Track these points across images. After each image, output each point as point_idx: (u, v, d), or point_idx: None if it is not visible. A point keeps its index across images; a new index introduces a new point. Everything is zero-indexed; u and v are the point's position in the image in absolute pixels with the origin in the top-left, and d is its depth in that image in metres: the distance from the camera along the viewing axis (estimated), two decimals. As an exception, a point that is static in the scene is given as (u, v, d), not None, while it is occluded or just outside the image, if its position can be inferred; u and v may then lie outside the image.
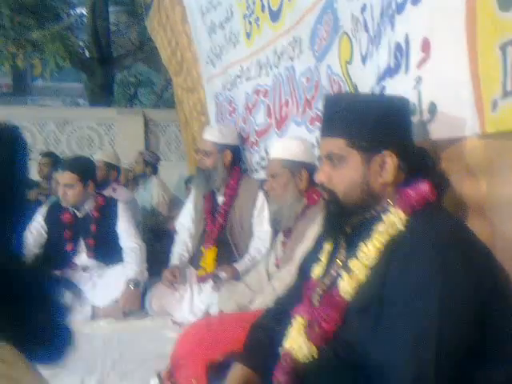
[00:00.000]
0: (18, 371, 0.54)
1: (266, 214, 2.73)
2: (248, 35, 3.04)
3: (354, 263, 1.13)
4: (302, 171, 2.14)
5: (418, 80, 1.37)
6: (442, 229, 1.06)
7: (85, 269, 2.96)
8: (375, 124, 1.16)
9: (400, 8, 1.44)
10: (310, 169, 2.14)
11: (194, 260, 2.90)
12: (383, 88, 1.55)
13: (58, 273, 2.84)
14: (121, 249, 3.00)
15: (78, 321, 2.61)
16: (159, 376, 1.84)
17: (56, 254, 2.97)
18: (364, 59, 1.90)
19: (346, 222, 1.20)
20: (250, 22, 3.00)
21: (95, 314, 2.81)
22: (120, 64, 9.31)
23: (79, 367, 2.04)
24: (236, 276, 2.59)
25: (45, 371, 0.61)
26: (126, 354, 2.32)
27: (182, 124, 4.74)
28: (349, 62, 2.06)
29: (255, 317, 1.55)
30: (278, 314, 1.40)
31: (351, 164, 1.17)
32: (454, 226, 1.11)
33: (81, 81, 11.95)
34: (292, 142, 2.24)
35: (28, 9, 8.45)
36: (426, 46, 1.35)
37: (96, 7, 8.36)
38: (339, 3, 2.12)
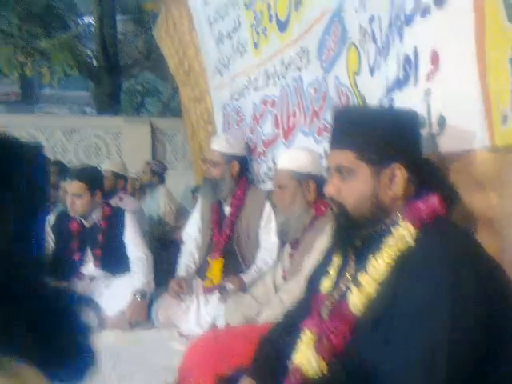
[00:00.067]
0: None
1: (272, 224, 2.73)
2: (256, 45, 3.05)
3: (363, 277, 1.12)
4: (309, 182, 2.14)
5: (427, 92, 1.37)
6: (451, 243, 1.05)
7: (92, 279, 2.96)
8: (385, 137, 1.16)
9: (409, 20, 1.44)
10: (318, 180, 2.13)
11: (201, 271, 2.89)
12: (392, 100, 1.55)
13: (67, 284, 2.84)
14: (127, 259, 3.00)
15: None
16: (167, 388, 1.83)
17: (63, 263, 2.97)
18: (372, 70, 1.91)
19: (356, 235, 1.19)
20: (257, 32, 3.01)
21: (101, 325, 2.80)
22: (127, 73, 9.39)
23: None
24: (243, 287, 2.58)
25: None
26: (133, 365, 2.31)
27: (188, 133, 4.75)
28: (357, 73, 2.06)
29: (263, 330, 1.54)
30: (286, 328, 1.39)
31: (360, 177, 1.16)
32: (464, 240, 1.10)
33: (87, 89, 12.04)
34: (300, 152, 2.23)
35: (36, 18, 8.55)
36: (435, 59, 1.35)
37: (104, 16, 8.45)
38: (347, 14, 2.13)
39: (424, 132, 1.32)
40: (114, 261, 3.00)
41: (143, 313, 2.81)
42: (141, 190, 4.88)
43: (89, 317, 0.60)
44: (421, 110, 1.36)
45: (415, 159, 1.18)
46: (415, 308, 0.99)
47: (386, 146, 1.15)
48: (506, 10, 1.12)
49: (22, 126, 6.07)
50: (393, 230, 1.12)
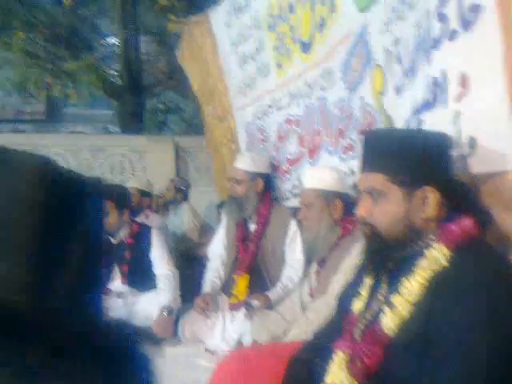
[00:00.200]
0: None
1: (298, 242, 2.73)
2: (279, 66, 3.10)
3: (396, 299, 1.13)
4: (335, 201, 2.15)
5: (457, 114, 1.38)
6: (486, 265, 1.06)
7: (119, 295, 3.00)
8: (416, 159, 1.17)
9: (437, 43, 1.46)
10: (344, 198, 2.15)
11: (226, 287, 2.91)
12: (420, 122, 1.57)
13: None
14: (154, 275, 3.04)
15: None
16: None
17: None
18: (398, 91, 1.93)
19: (388, 257, 1.20)
20: (281, 53, 3.06)
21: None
22: (150, 92, 9.57)
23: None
24: (268, 304, 2.58)
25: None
26: (159, 381, 2.32)
27: (211, 151, 4.81)
28: (382, 93, 2.09)
29: (291, 349, 1.54)
30: (317, 348, 1.40)
31: (392, 199, 1.18)
32: (498, 262, 1.11)
33: (111, 108, 12.30)
34: (326, 171, 2.25)
35: (62, 40, 8.82)
36: (463, 81, 1.36)
37: (128, 38, 8.67)
38: (371, 36, 2.16)
39: (454, 153, 1.34)
40: (141, 277, 3.04)
41: (170, 329, 2.84)
42: (164, 207, 4.94)
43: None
44: (450, 131, 1.38)
45: (447, 181, 1.19)
46: (451, 331, 0.99)
47: (417, 169, 1.16)
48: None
49: (48, 145, 6.24)
50: (426, 251, 1.13)
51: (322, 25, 2.58)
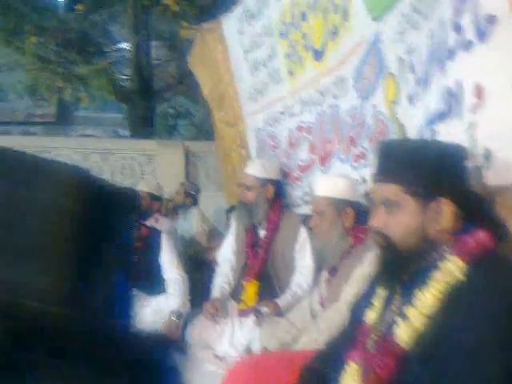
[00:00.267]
0: None
1: (308, 248, 2.73)
2: (291, 73, 3.11)
3: (410, 311, 1.13)
4: (347, 209, 2.15)
5: (472, 125, 1.38)
6: (502, 279, 1.05)
7: (128, 299, 3.01)
8: (431, 170, 1.17)
9: (452, 54, 1.46)
10: (356, 207, 2.14)
11: (235, 294, 2.91)
12: (434, 132, 1.57)
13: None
14: (163, 279, 3.04)
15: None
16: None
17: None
18: (411, 99, 1.93)
19: (402, 268, 1.20)
20: (293, 61, 3.07)
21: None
22: (160, 96, 9.63)
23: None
24: (278, 311, 2.57)
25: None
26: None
27: (220, 156, 4.83)
28: (395, 102, 2.08)
29: (302, 358, 1.54)
30: (329, 358, 1.40)
31: (407, 210, 1.18)
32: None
33: (121, 111, 12.38)
34: (337, 179, 2.25)
35: (73, 45, 8.91)
36: (479, 92, 1.36)
37: (139, 43, 8.74)
38: (385, 44, 2.17)
39: (469, 165, 1.33)
40: (150, 281, 3.04)
41: (177, 333, 2.84)
42: (173, 211, 4.96)
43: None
44: (464, 142, 1.37)
45: (462, 193, 1.18)
46: (470, 345, 0.98)
47: (432, 180, 1.16)
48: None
49: (58, 148, 6.30)
50: (440, 264, 1.13)
51: (334, 33, 2.59)
